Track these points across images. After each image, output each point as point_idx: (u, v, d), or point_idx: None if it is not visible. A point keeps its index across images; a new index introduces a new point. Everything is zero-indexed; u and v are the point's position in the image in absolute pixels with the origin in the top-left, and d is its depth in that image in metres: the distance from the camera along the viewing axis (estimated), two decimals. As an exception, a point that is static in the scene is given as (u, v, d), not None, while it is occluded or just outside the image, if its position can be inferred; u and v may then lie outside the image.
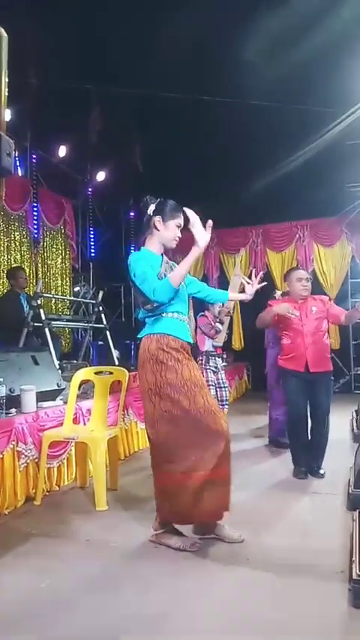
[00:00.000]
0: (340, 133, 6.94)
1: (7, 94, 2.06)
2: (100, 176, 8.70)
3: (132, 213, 9.97)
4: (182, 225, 2.57)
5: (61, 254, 8.17)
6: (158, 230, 2.54)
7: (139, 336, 2.58)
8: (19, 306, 5.74)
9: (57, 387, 3.89)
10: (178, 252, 2.63)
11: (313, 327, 3.72)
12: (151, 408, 2.46)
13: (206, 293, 2.77)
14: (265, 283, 2.95)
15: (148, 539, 2.61)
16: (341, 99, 6.41)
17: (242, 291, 2.98)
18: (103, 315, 6.43)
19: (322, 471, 3.73)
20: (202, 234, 2.35)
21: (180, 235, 2.60)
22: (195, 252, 2.38)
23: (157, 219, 2.53)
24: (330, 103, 6.46)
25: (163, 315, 2.49)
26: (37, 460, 3.28)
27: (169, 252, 2.64)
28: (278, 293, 5.15)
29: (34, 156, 7.32)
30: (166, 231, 2.54)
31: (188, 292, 2.69)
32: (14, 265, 6.78)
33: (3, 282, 6.84)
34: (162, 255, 2.59)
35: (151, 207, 2.55)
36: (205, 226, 2.37)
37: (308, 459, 3.80)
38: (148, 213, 2.55)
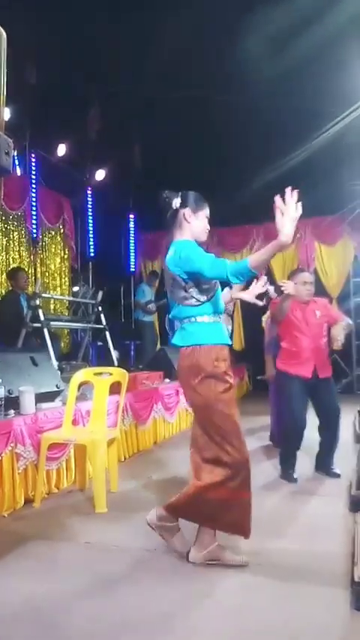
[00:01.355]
0: (341, 130, 6.92)
1: (5, 92, 2.04)
2: (100, 175, 8.68)
3: (131, 215, 9.95)
4: (209, 216, 2.48)
5: (60, 254, 8.15)
6: (189, 222, 2.41)
7: (178, 343, 2.37)
8: (19, 306, 5.72)
9: (56, 389, 3.87)
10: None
11: (319, 332, 3.71)
12: (200, 424, 2.33)
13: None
14: (267, 285, 2.78)
15: (147, 521, 2.48)
16: (342, 97, 6.40)
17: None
18: (102, 316, 6.40)
19: (338, 470, 3.72)
20: (289, 225, 2.06)
21: (209, 227, 2.49)
22: (277, 244, 2.08)
23: (187, 211, 2.40)
24: (331, 100, 6.44)
25: (206, 319, 2.32)
26: (35, 462, 3.25)
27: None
28: (271, 289, 5.05)
29: (32, 155, 7.28)
30: (196, 223, 2.42)
31: None
32: (14, 266, 6.77)
33: (1, 282, 6.83)
34: None
35: (177, 201, 2.40)
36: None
37: (322, 462, 3.80)
38: (174, 207, 2.40)
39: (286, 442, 3.83)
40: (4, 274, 6.80)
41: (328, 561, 2.37)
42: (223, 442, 2.28)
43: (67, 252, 8.27)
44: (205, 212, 2.45)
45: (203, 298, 2.31)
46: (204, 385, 2.28)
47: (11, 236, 7.09)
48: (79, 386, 3.69)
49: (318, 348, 3.70)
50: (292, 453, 3.76)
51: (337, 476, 3.68)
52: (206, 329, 2.32)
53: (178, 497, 2.37)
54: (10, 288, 6.12)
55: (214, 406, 2.28)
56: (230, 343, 2.42)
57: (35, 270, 7.44)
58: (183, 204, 2.41)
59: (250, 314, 4.66)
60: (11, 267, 6.77)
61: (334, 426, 3.75)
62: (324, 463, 3.78)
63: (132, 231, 10.08)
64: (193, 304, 2.31)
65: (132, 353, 8.78)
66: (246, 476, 2.31)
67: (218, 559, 2.34)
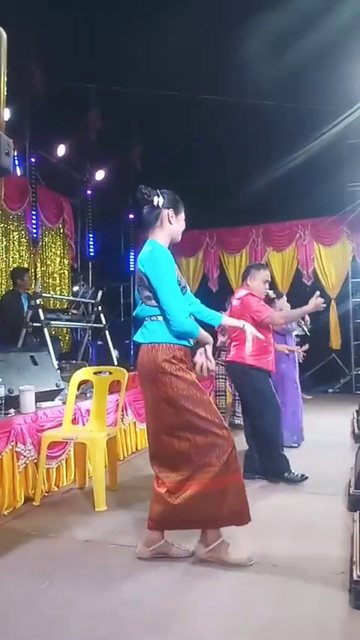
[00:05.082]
0: (340, 132, 6.94)
1: (6, 93, 2.05)
2: (100, 175, 8.69)
3: (131, 215, 9.96)
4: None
5: (60, 254, 8.16)
6: (171, 224, 2.42)
7: (139, 340, 2.39)
8: (20, 306, 5.74)
9: (56, 388, 3.88)
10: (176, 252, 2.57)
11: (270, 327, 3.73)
12: (169, 419, 2.32)
13: (197, 309, 2.55)
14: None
15: (201, 557, 2.40)
16: (342, 98, 6.42)
17: None
18: (102, 315, 6.41)
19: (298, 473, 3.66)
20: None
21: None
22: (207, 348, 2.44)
23: (170, 212, 2.41)
24: (331, 102, 6.46)
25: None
26: (36, 461, 3.27)
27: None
28: (271, 292, 5.11)
29: (33, 155, 7.30)
30: (177, 225, 2.45)
31: None
32: (16, 265, 6.81)
33: (1, 282, 6.84)
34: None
35: (159, 200, 2.38)
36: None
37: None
38: (155, 205, 2.39)
39: (277, 443, 3.66)
40: (5, 274, 6.82)
41: (327, 560, 2.38)
42: (188, 435, 2.28)
43: (66, 251, 8.28)
44: (183, 215, 2.48)
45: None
46: (164, 382, 2.29)
47: (11, 236, 7.10)
48: (79, 385, 3.70)
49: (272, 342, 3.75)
50: (282, 451, 3.69)
51: (305, 478, 3.60)
52: (165, 328, 2.33)
53: (154, 510, 2.39)
54: (12, 288, 6.14)
55: (177, 403, 2.28)
56: (190, 344, 2.42)
57: (35, 269, 7.46)
58: (165, 204, 2.41)
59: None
60: (12, 267, 6.80)
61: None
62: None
63: (131, 231, 10.09)
64: (152, 304, 2.34)
65: (132, 352, 8.79)
66: (225, 460, 2.28)
67: (221, 558, 2.34)
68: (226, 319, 2.65)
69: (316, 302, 3.51)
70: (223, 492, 2.28)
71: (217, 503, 2.29)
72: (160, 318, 2.34)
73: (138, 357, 2.41)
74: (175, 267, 2.36)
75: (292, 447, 4.61)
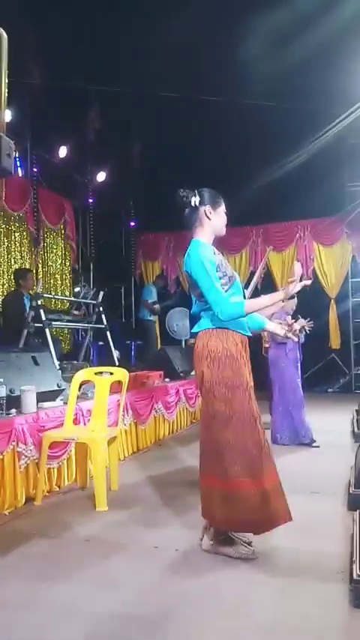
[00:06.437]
0: (340, 132, 6.94)
1: (7, 94, 2.06)
2: (101, 176, 8.70)
3: (132, 216, 9.96)
4: (226, 211, 2.55)
5: (62, 254, 8.17)
6: (210, 219, 2.47)
7: (194, 330, 2.45)
8: (23, 306, 5.77)
9: (57, 388, 3.89)
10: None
11: None
12: (205, 407, 2.38)
13: None
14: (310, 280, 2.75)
15: (203, 549, 2.48)
16: (342, 98, 6.41)
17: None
18: (103, 316, 6.43)
19: None
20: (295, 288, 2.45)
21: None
22: (279, 295, 2.42)
23: (207, 208, 2.46)
24: (330, 102, 6.46)
25: None
26: (37, 461, 3.28)
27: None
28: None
29: (34, 156, 7.32)
30: (216, 220, 2.49)
31: None
32: (18, 267, 6.83)
33: (2, 282, 6.86)
34: (212, 245, 2.52)
35: (195, 199, 2.45)
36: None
37: None
38: (193, 205, 2.45)
39: None
40: (7, 274, 6.83)
41: (327, 559, 2.38)
42: (220, 427, 2.30)
43: (68, 252, 8.29)
44: (223, 207, 2.52)
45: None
46: (211, 367, 2.31)
47: (13, 237, 7.11)
48: (80, 385, 3.71)
49: None
50: None
51: None
52: None
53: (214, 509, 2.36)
54: (15, 288, 6.16)
55: (216, 390, 2.31)
56: (247, 334, 2.44)
57: (37, 270, 7.47)
58: (202, 202, 2.46)
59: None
60: (14, 267, 6.82)
61: None
62: None
63: (132, 232, 10.10)
64: (205, 301, 2.37)
65: (133, 352, 8.81)
66: (250, 464, 2.30)
67: (224, 553, 2.40)
68: (270, 325, 2.68)
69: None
70: (240, 495, 2.29)
71: (232, 506, 2.30)
72: None
73: (194, 347, 2.45)
74: (214, 260, 2.38)
75: (285, 445, 4.65)
